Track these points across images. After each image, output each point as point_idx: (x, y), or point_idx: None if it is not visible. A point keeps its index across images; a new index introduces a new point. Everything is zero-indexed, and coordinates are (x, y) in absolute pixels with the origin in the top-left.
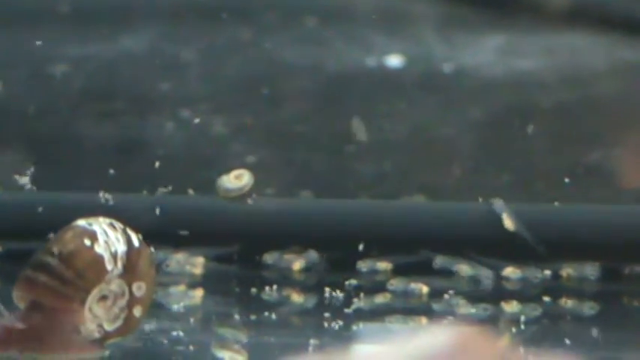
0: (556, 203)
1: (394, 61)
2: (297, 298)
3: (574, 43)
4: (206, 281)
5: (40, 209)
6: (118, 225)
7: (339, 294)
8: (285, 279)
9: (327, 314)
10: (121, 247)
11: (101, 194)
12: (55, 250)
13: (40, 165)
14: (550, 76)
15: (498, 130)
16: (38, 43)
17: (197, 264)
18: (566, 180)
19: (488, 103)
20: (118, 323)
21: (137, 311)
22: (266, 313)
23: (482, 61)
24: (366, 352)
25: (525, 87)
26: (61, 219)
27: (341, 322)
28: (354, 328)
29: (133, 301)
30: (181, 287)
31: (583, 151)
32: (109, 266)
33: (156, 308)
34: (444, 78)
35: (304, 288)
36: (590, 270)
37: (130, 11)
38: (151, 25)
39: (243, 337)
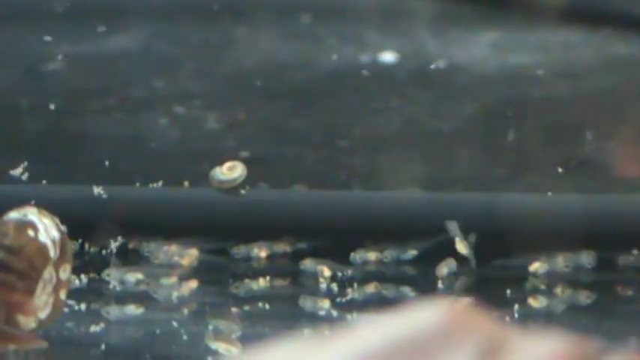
0: (550, 193)
1: (388, 57)
2: (290, 289)
3: (567, 38)
4: (199, 273)
5: (32, 202)
6: (44, 212)
7: (333, 285)
8: (278, 270)
9: (321, 304)
10: (56, 234)
11: (95, 187)
12: (2, 244)
13: (33, 159)
14: (544, 71)
15: (492, 123)
16: (31, 40)
17: (190, 256)
18: (560, 171)
19: (482, 98)
20: (48, 310)
21: (62, 294)
22: (260, 304)
23: (475, 57)
24: (354, 335)
25: (519, 82)
26: (54, 212)
27: (335, 313)
28: (348, 317)
29: (59, 284)
30: (174, 279)
31: (576, 143)
32: (51, 253)
33: (150, 300)
34: (438, 74)
35: (297, 279)
36: (585, 259)
37: (123, 9)
38: (144, 22)
39: (237, 328)
